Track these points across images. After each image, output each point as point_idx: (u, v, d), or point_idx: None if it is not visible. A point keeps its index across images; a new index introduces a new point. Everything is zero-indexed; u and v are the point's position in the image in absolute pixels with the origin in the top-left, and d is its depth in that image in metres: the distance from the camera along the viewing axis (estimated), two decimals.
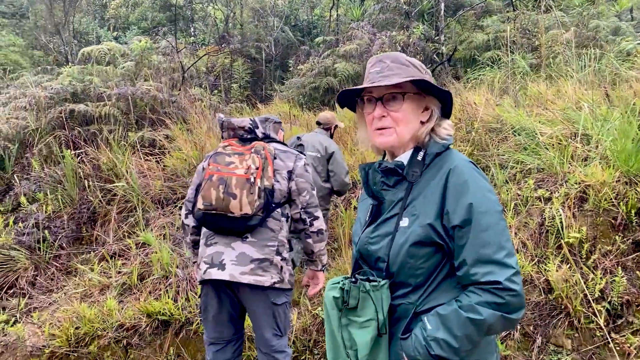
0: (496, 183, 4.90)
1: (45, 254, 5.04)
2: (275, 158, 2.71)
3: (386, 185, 1.53)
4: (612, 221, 4.07)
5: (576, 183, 4.37)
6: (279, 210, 2.68)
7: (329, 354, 1.53)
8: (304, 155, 2.95)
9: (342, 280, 1.51)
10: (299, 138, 4.56)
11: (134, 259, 4.89)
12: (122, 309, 4.18)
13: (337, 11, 14.97)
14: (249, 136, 2.76)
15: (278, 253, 2.62)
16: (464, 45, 10.54)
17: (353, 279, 1.47)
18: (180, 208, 5.72)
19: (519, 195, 4.55)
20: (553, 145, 5.24)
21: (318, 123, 4.87)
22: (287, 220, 2.74)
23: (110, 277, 4.64)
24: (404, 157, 1.53)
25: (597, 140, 5.00)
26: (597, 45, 8.92)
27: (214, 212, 2.51)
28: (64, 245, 5.22)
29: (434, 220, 1.39)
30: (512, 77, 8.20)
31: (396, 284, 1.46)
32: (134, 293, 4.42)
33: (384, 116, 1.50)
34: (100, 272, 4.79)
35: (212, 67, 11.13)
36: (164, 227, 5.39)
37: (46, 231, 5.16)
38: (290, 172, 2.72)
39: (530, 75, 8.20)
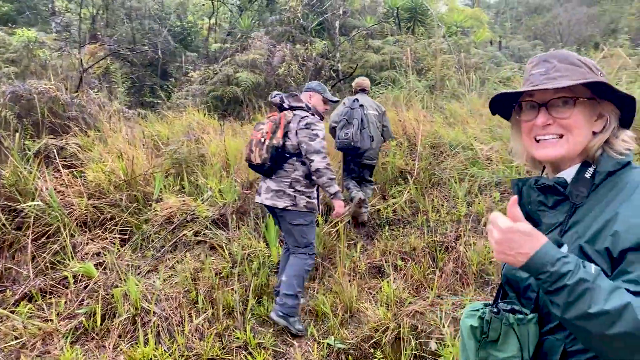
0: (457, 196, 5.07)
1: None
2: (289, 122, 3.73)
3: (544, 205, 1.32)
4: None
5: None
6: (294, 158, 3.75)
7: None
8: (313, 119, 3.83)
9: (482, 308, 1.34)
10: (357, 100, 5.24)
11: (72, 295, 3.97)
12: None
13: (216, 19, 14.41)
14: (281, 107, 3.87)
15: (291, 186, 3.75)
16: (358, 64, 10.88)
17: (495, 309, 1.30)
18: (112, 231, 4.84)
19: (489, 209, 4.76)
20: (492, 159, 5.64)
21: (363, 90, 5.64)
22: (303, 164, 3.77)
23: (50, 322, 3.68)
24: (567, 174, 1.30)
25: None
26: (477, 71, 9.95)
27: (247, 161, 3.87)
28: None
29: (584, 241, 1.17)
30: (414, 96, 8.67)
31: (543, 316, 1.28)
32: (94, 339, 3.55)
33: (549, 124, 1.27)
34: (30, 315, 3.77)
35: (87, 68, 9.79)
36: (99, 254, 4.49)
37: None
38: (296, 131, 3.70)
39: (425, 95, 8.78)
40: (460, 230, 4.49)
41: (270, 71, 9.76)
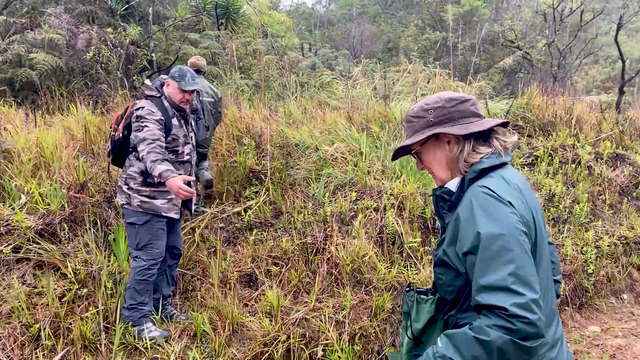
0: (317, 196, 5.03)
1: None
2: (132, 113, 3.47)
3: (444, 209, 1.65)
4: (425, 224, 4.86)
5: (392, 195, 4.97)
6: (133, 153, 3.48)
7: None
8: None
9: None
10: None
11: None
12: None
13: None
14: None
15: (126, 183, 3.51)
16: (173, 55, 10.12)
17: (408, 289, 1.69)
18: None
19: (351, 209, 4.81)
20: (338, 159, 5.77)
21: (198, 71, 5.26)
22: (138, 160, 3.44)
23: None
24: (452, 184, 1.62)
25: (371, 157, 5.81)
26: (295, 74, 10.20)
27: None
28: None
29: (447, 246, 1.50)
30: (240, 94, 8.47)
31: (442, 300, 1.63)
32: None
33: (422, 167, 1.70)
34: None
35: None
36: None
37: None
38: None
39: (251, 94, 8.66)
40: (328, 231, 4.45)
41: (74, 55, 8.41)
